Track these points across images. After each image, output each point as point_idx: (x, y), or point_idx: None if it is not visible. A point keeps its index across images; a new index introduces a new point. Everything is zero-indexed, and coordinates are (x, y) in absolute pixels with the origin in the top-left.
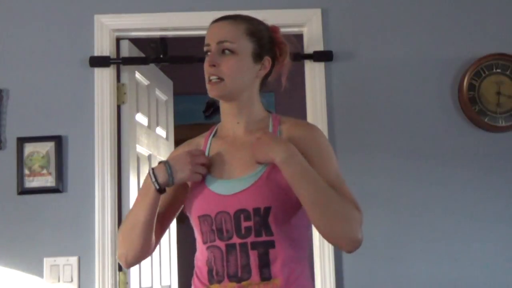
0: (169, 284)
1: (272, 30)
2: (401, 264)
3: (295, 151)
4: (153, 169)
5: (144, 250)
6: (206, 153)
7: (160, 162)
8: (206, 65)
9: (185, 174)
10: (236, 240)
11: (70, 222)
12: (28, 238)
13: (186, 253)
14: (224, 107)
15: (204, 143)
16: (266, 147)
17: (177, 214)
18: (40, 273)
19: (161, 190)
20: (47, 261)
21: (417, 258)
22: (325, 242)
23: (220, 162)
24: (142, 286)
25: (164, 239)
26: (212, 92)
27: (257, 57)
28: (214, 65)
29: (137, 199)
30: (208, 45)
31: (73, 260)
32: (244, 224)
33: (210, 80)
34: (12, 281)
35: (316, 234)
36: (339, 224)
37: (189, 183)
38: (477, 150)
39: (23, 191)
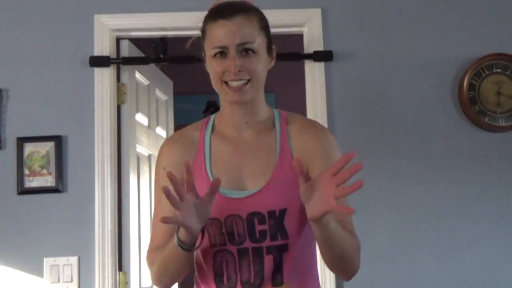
0: None
1: None
2: (402, 264)
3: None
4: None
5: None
6: (206, 152)
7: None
8: (230, 68)
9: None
10: (248, 244)
11: (70, 222)
12: (28, 238)
13: None
14: (235, 106)
15: (200, 138)
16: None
17: None
18: (40, 273)
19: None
20: (47, 261)
21: (417, 258)
22: None
23: (226, 168)
24: (142, 286)
25: None
26: (241, 97)
27: (269, 49)
28: (240, 70)
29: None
30: (225, 47)
31: (73, 260)
32: (258, 227)
33: (227, 84)
34: (12, 281)
35: None
36: (347, 266)
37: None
38: (477, 150)
39: (23, 191)
